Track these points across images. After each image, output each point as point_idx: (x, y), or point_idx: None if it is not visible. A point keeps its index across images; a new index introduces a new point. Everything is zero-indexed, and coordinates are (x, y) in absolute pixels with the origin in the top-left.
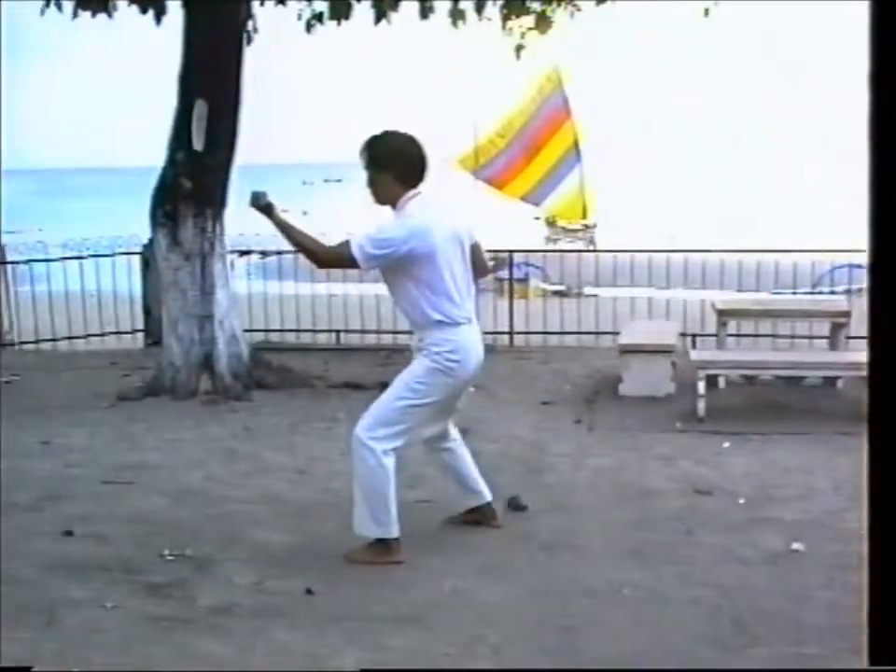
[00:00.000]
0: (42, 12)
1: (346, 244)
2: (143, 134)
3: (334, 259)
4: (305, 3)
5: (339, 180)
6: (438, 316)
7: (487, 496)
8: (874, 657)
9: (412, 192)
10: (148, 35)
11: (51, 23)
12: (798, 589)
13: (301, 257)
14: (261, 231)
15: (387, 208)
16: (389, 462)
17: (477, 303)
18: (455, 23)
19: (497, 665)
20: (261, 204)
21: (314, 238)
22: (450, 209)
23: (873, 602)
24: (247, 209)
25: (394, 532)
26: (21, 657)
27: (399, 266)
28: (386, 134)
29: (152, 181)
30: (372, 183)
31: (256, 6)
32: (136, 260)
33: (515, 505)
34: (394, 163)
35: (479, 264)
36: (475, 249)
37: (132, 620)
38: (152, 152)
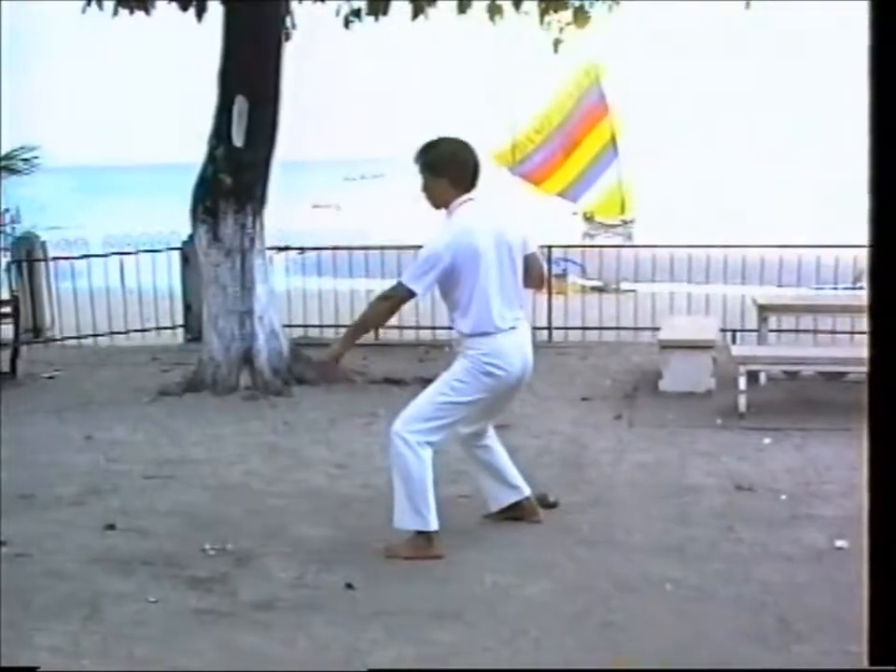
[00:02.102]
0: (84, 10)
1: (398, 283)
2: (179, 131)
3: (394, 302)
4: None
5: (375, 176)
6: (473, 325)
7: (526, 490)
8: (874, 657)
9: (464, 198)
10: (183, 31)
11: (88, 20)
12: (842, 586)
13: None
14: (301, 227)
15: (441, 211)
16: (426, 454)
17: (526, 307)
18: (492, 18)
19: (537, 660)
20: (330, 365)
21: (366, 311)
22: (505, 215)
23: (873, 602)
24: (289, 208)
25: (433, 524)
26: (63, 649)
27: (449, 276)
28: (441, 141)
29: (191, 178)
30: (428, 188)
31: (294, 3)
32: (176, 256)
33: (544, 502)
34: (449, 169)
35: (533, 275)
36: (531, 259)
37: (174, 613)
38: (189, 149)
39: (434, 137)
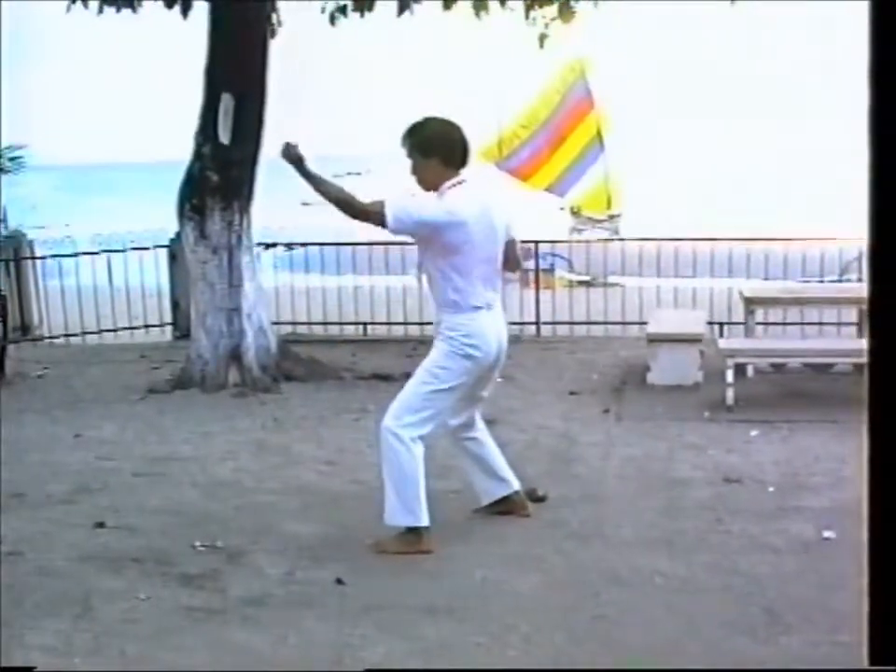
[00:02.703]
0: (68, 9)
1: (381, 203)
2: (166, 129)
3: (368, 213)
4: None
5: (362, 172)
6: (455, 297)
7: (515, 485)
8: (874, 657)
9: (456, 179)
10: (169, 29)
11: (73, 19)
12: (830, 577)
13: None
14: (287, 224)
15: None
16: (418, 450)
17: (503, 293)
18: (477, 14)
19: (528, 654)
20: (292, 156)
21: (345, 190)
22: (493, 198)
23: (873, 602)
24: (278, 201)
25: (424, 520)
26: (55, 648)
27: (428, 242)
28: (428, 121)
29: (178, 175)
30: (418, 170)
31: (280, 0)
32: (164, 254)
33: (532, 497)
34: (439, 148)
35: (511, 259)
36: (511, 245)
37: (164, 611)
38: (175, 147)
39: (420, 118)
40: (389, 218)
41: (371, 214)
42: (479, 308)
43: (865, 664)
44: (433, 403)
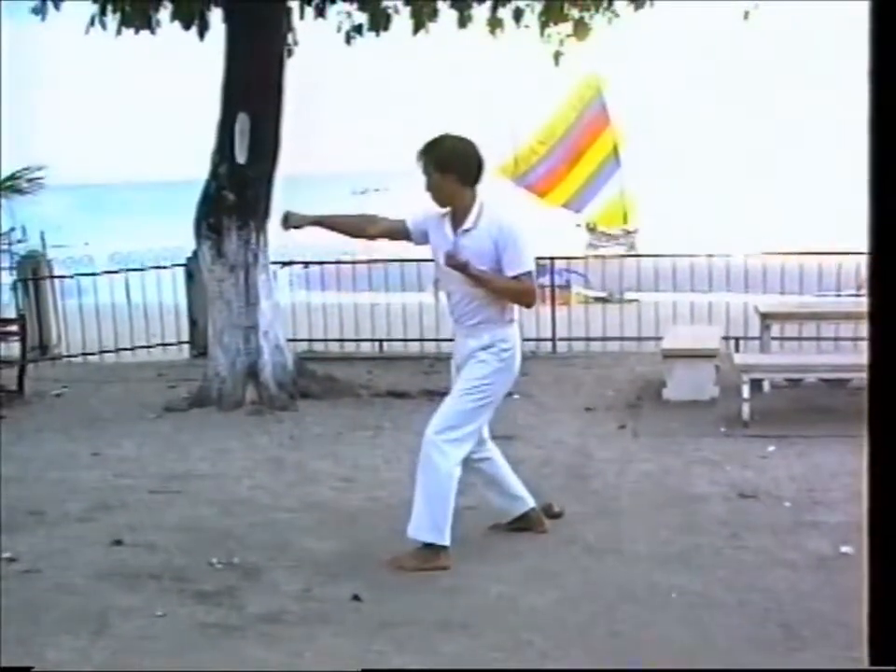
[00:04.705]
0: (87, 31)
1: (403, 221)
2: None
3: (389, 231)
4: (345, 15)
5: (380, 189)
6: (505, 310)
7: (531, 502)
8: (874, 657)
9: (480, 199)
10: (187, 49)
11: (91, 39)
12: (846, 592)
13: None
14: (304, 242)
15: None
16: (458, 472)
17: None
18: (493, 32)
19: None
20: (294, 223)
21: (357, 219)
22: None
23: (873, 602)
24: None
25: (446, 539)
26: (73, 664)
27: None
28: (444, 138)
29: (195, 195)
30: (433, 186)
31: (296, 19)
32: (181, 273)
33: (549, 513)
34: (455, 165)
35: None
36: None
37: (182, 627)
38: (192, 166)
39: (436, 135)
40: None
41: (390, 229)
42: (515, 321)
43: (865, 664)
44: (477, 417)
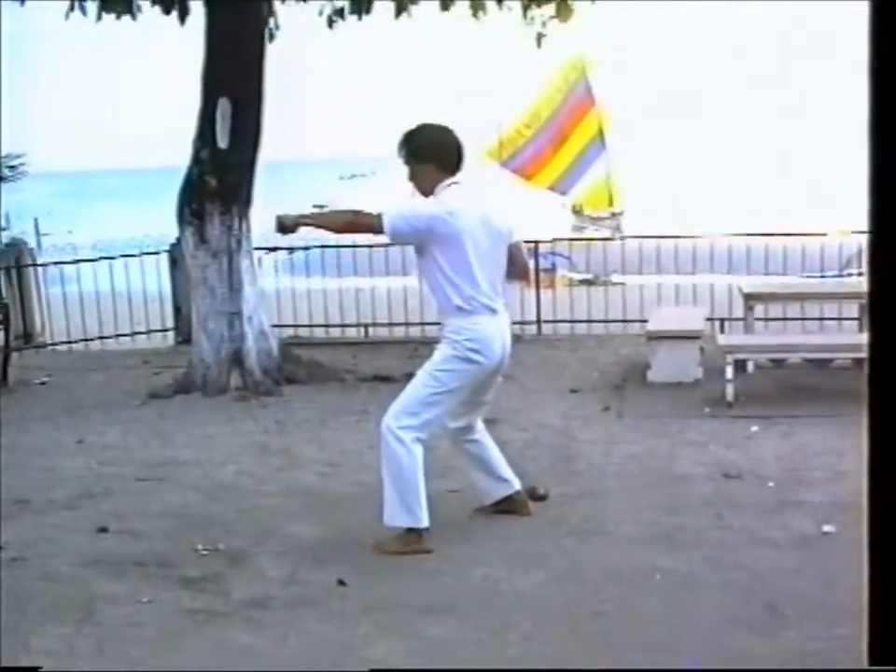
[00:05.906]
0: (66, 16)
1: (378, 215)
2: (164, 135)
3: (365, 225)
4: None
5: (366, 174)
6: (458, 302)
7: (516, 484)
8: (874, 657)
9: (449, 180)
10: (167, 34)
11: (72, 26)
12: (829, 571)
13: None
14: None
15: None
16: (418, 450)
17: (507, 296)
18: (475, 14)
19: (528, 651)
20: (288, 226)
21: (342, 212)
22: (490, 203)
23: (873, 602)
24: (274, 211)
25: (424, 521)
26: (58, 652)
27: (425, 246)
28: (423, 127)
29: (177, 180)
30: (414, 176)
31: (277, 3)
32: (165, 259)
33: (533, 495)
34: (433, 154)
35: (518, 265)
36: (515, 250)
37: (167, 614)
38: (175, 152)
39: (414, 125)
40: (386, 225)
41: (368, 225)
42: (482, 313)
43: (865, 664)
44: (434, 406)
